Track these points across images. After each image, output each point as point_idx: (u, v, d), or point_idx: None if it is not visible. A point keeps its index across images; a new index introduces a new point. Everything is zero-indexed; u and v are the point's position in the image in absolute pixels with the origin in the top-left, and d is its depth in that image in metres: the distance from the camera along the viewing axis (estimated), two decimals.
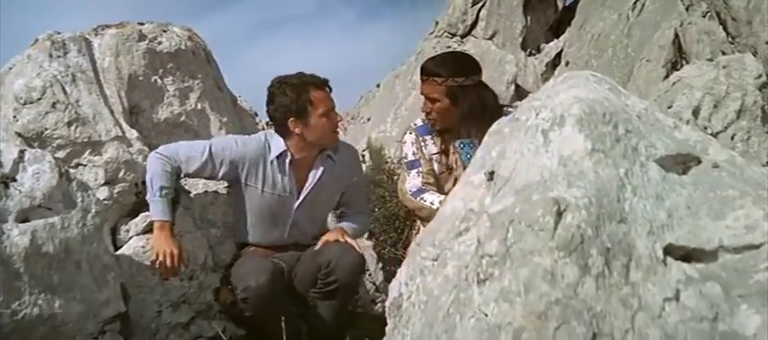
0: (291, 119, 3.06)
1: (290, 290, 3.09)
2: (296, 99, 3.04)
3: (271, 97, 3.12)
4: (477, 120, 2.93)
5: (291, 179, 3.17)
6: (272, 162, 3.14)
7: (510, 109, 2.92)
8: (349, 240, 3.09)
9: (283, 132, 3.14)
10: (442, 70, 2.97)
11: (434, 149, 3.10)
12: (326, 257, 2.98)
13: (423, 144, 3.13)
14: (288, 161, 3.14)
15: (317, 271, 3.01)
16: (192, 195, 3.93)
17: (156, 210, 3.07)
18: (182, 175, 3.22)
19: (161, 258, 2.93)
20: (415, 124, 3.24)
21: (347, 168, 3.33)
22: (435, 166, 3.11)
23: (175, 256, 2.93)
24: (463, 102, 2.94)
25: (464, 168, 2.99)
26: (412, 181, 3.11)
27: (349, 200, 3.39)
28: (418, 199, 3.07)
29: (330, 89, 3.14)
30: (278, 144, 3.15)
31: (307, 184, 3.20)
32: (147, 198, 3.14)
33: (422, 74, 3.02)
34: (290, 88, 3.06)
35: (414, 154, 3.17)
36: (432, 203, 3.00)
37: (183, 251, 3.00)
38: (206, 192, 3.73)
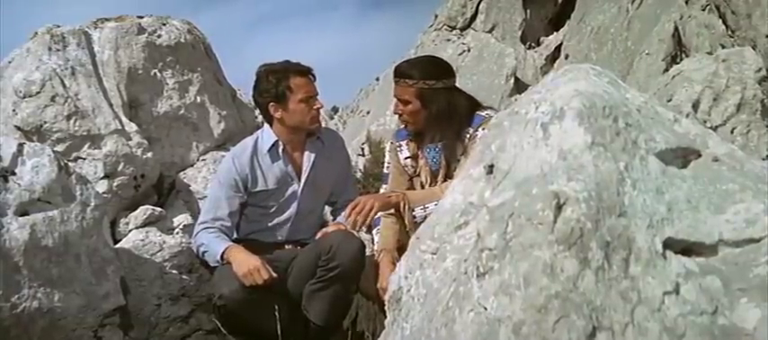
0: (272, 104, 3.15)
1: (281, 289, 3.08)
2: (276, 84, 3.14)
3: (256, 83, 3.23)
4: (444, 124, 2.96)
5: (288, 164, 3.21)
6: (265, 155, 3.19)
7: (481, 113, 2.94)
8: (349, 228, 3.12)
9: (268, 118, 3.24)
10: (413, 72, 2.98)
11: (408, 154, 3.12)
12: (327, 243, 3.00)
13: (398, 150, 3.16)
14: (281, 149, 3.21)
15: (316, 259, 3.02)
16: (191, 188, 3.93)
17: (218, 248, 3.06)
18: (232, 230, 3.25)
19: (250, 279, 2.91)
20: (398, 128, 3.29)
21: (337, 151, 3.43)
22: (409, 170, 3.14)
23: (259, 268, 2.92)
24: (432, 105, 2.95)
25: (431, 171, 3.03)
26: None
27: (341, 189, 3.43)
28: (374, 228, 3.16)
29: (314, 77, 3.22)
30: (269, 136, 3.24)
31: (304, 168, 3.26)
32: (213, 265, 3.12)
33: (395, 75, 3.03)
34: (272, 74, 3.16)
35: (387, 165, 3.26)
36: (375, 242, 3.10)
37: (262, 260, 2.98)
38: (205, 186, 3.73)
